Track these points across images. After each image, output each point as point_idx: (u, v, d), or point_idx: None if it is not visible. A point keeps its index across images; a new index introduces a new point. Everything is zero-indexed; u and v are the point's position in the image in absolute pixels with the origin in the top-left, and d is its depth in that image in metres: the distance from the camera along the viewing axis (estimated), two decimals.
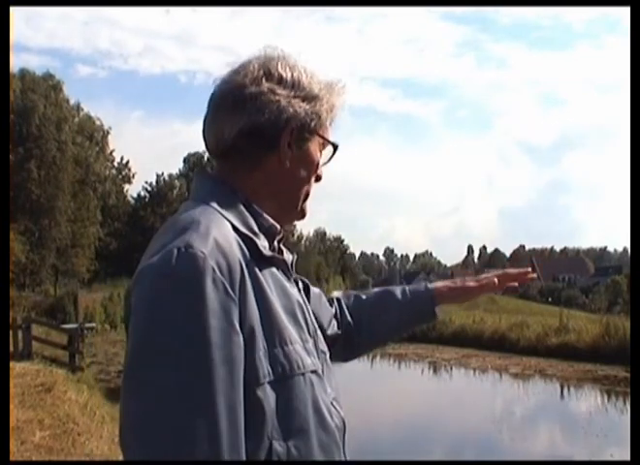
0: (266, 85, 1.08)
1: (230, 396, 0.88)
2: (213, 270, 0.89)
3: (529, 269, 1.54)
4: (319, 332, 1.16)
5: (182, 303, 0.88)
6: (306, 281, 1.32)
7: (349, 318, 1.43)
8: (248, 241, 1.00)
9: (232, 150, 1.10)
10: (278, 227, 1.11)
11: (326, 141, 1.15)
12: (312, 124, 1.11)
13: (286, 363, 0.96)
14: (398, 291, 1.47)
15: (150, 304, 0.89)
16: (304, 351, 1.02)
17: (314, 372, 1.03)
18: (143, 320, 0.89)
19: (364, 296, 1.48)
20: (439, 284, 1.50)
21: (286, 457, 0.94)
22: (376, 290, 1.52)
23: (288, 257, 1.15)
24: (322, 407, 1.01)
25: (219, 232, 0.95)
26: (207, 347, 0.87)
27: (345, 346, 1.42)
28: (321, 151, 1.16)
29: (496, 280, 1.49)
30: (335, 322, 1.40)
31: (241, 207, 1.06)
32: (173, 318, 0.87)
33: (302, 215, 1.18)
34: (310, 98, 1.11)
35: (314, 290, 1.34)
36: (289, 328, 1.00)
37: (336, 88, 1.16)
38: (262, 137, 1.08)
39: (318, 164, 1.15)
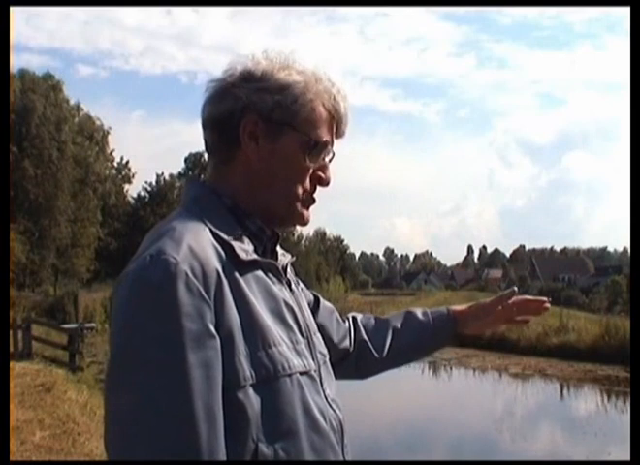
0: (233, 81, 1.09)
1: (206, 398, 0.88)
2: (186, 275, 0.90)
3: (545, 300, 1.50)
4: (319, 335, 1.16)
5: (156, 308, 0.89)
6: (317, 294, 1.36)
7: (365, 336, 1.42)
8: (227, 247, 0.99)
9: (208, 148, 1.13)
10: (268, 229, 1.11)
11: (302, 134, 1.08)
12: (277, 114, 1.07)
13: (269, 365, 0.95)
14: (419, 312, 1.48)
15: (125, 311, 0.91)
16: (294, 352, 1.01)
17: (305, 373, 1.02)
18: (119, 326, 0.91)
19: (384, 317, 1.49)
20: (458, 306, 1.51)
21: (274, 460, 0.93)
22: (397, 312, 1.52)
23: (283, 259, 1.15)
24: (313, 408, 1.00)
25: (193, 238, 0.96)
26: (181, 350, 0.88)
27: (361, 363, 1.42)
28: (311, 150, 1.09)
29: (513, 295, 1.47)
30: (348, 337, 1.40)
31: (224, 212, 1.06)
32: (147, 323, 0.89)
33: (300, 220, 1.13)
34: (276, 88, 1.07)
35: (326, 304, 1.38)
36: (273, 330, 0.99)
37: (319, 81, 1.10)
38: (222, 129, 1.09)
39: (304, 162, 1.09)
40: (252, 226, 1.08)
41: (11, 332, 12.19)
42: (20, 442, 6.23)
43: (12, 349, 12.29)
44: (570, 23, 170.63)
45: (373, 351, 1.42)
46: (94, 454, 6.08)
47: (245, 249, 1.02)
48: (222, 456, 0.89)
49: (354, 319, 1.46)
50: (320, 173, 1.12)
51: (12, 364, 9.66)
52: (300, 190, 1.10)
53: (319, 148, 1.10)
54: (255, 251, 1.05)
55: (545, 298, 1.50)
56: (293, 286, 1.15)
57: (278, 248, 1.16)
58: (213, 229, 1.01)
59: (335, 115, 1.12)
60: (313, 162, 1.10)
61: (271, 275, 1.06)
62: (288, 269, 1.21)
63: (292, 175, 1.09)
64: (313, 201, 1.14)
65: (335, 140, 1.15)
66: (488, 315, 1.49)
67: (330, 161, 1.16)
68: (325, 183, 1.14)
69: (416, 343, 1.46)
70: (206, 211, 1.04)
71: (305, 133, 1.08)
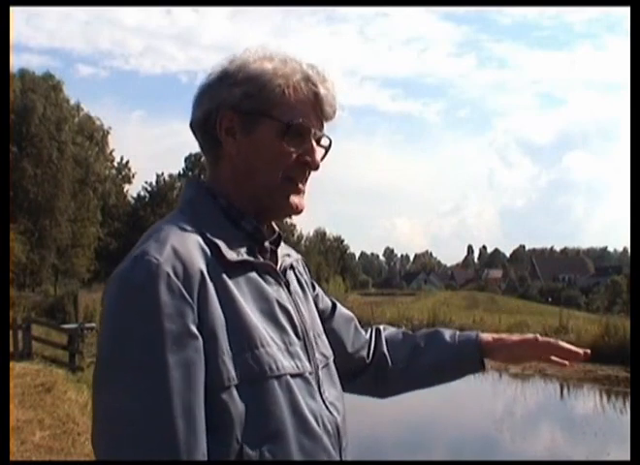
0: (210, 82, 1.10)
1: (186, 398, 0.89)
2: (168, 275, 0.91)
3: (582, 353, 1.34)
4: (324, 337, 1.15)
5: (137, 309, 0.90)
6: (335, 301, 1.32)
7: (385, 350, 1.37)
8: (214, 248, 0.99)
9: (201, 151, 1.14)
10: (266, 228, 1.10)
11: (276, 120, 1.06)
12: (248, 105, 1.06)
13: (255, 366, 0.95)
14: (447, 333, 1.40)
15: (110, 311, 0.93)
16: (285, 353, 1.00)
17: (298, 375, 1.01)
18: (104, 327, 0.93)
19: (411, 333, 1.43)
20: (487, 335, 1.40)
21: (259, 460, 0.93)
22: (427, 330, 1.44)
23: (286, 260, 1.14)
24: (304, 411, 0.99)
25: (178, 240, 0.96)
26: (161, 350, 0.88)
27: (380, 380, 1.36)
28: (286, 134, 1.06)
29: (538, 336, 1.37)
30: (365, 348, 1.36)
31: (218, 213, 1.06)
32: (129, 324, 0.90)
33: (290, 209, 1.10)
34: (244, 80, 1.07)
35: (343, 311, 1.33)
36: (262, 331, 0.98)
37: (287, 64, 1.09)
38: (204, 130, 1.10)
39: (283, 148, 1.06)
40: (248, 226, 1.08)
41: (11, 332, 12.17)
42: (20, 442, 6.22)
43: (12, 349, 12.27)
44: (570, 23, 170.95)
45: (391, 365, 1.36)
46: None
47: (237, 250, 1.02)
48: (201, 456, 0.89)
49: (377, 331, 1.40)
50: (307, 157, 1.09)
51: (12, 364, 9.64)
52: (281, 177, 1.07)
53: (296, 131, 1.07)
54: (251, 251, 1.05)
55: (582, 351, 1.34)
56: (293, 287, 1.13)
57: (281, 248, 1.15)
58: (203, 230, 1.01)
59: (311, 96, 1.08)
60: (294, 146, 1.07)
61: (267, 276, 1.06)
62: (301, 269, 1.21)
63: (271, 164, 1.07)
64: (301, 188, 1.10)
65: (324, 123, 1.12)
66: (511, 352, 1.39)
67: (328, 146, 1.13)
68: (313, 166, 1.10)
69: (437, 363, 1.37)
70: (199, 213, 1.05)
71: (279, 118, 1.06)
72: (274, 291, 1.06)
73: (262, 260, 1.06)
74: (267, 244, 1.11)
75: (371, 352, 1.37)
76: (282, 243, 1.16)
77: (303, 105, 1.08)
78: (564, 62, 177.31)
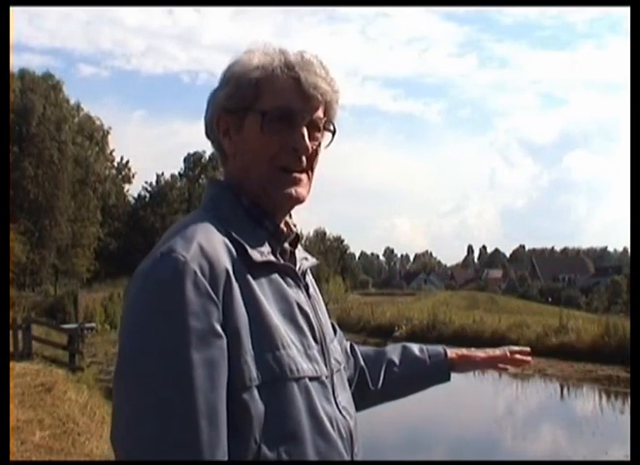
0: (212, 91, 1.14)
1: (209, 397, 0.88)
2: (195, 273, 0.91)
3: (528, 350, 1.53)
4: (336, 343, 1.16)
5: (163, 306, 0.89)
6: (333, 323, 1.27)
7: (363, 365, 1.38)
8: (239, 247, 0.99)
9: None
10: (285, 229, 1.10)
11: (257, 112, 1.05)
12: (232, 104, 1.07)
13: (276, 367, 0.95)
14: (415, 348, 1.45)
15: (134, 307, 0.92)
16: (304, 356, 1.01)
17: (315, 379, 1.01)
18: (127, 323, 0.93)
19: (380, 349, 1.46)
20: (453, 351, 1.48)
21: (276, 460, 0.93)
22: (394, 345, 1.49)
23: (304, 263, 1.14)
24: (321, 414, 1.00)
25: (205, 238, 0.96)
26: (186, 348, 0.88)
27: (356, 393, 1.32)
28: (264, 121, 1.05)
29: (508, 353, 1.48)
30: (353, 368, 1.36)
31: (242, 212, 1.06)
32: (153, 321, 0.89)
33: (288, 199, 1.07)
34: (225, 82, 1.10)
35: (338, 330, 1.30)
36: (283, 333, 0.98)
37: (259, 52, 1.09)
38: (212, 137, 1.13)
39: (266, 138, 1.05)
40: (270, 226, 1.08)
41: (11, 332, 12.16)
42: (20, 442, 6.22)
43: (12, 349, 12.26)
44: (572, 23, 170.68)
45: (369, 381, 1.37)
46: (94, 454, 6.08)
47: (260, 250, 1.02)
48: (223, 455, 0.89)
49: (351, 346, 1.41)
50: (294, 144, 1.06)
51: (12, 364, 9.64)
52: (269, 168, 1.05)
53: (276, 117, 1.05)
54: (273, 252, 1.05)
55: (528, 350, 1.52)
56: (311, 290, 1.14)
57: (299, 251, 1.15)
58: (228, 229, 1.01)
59: (291, 82, 1.06)
60: (278, 134, 1.05)
61: (288, 278, 1.06)
62: (308, 274, 1.20)
63: (257, 156, 1.06)
64: (297, 177, 1.07)
65: (321, 108, 1.09)
66: (477, 367, 1.52)
67: (323, 127, 1.10)
68: (302, 151, 1.06)
69: (411, 377, 1.42)
70: (223, 211, 1.05)
71: (259, 109, 1.05)
72: (295, 293, 1.06)
73: (283, 261, 1.07)
74: (286, 245, 1.11)
75: (352, 366, 1.36)
76: (300, 246, 1.16)
77: (284, 92, 1.06)
78: (565, 62, 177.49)
